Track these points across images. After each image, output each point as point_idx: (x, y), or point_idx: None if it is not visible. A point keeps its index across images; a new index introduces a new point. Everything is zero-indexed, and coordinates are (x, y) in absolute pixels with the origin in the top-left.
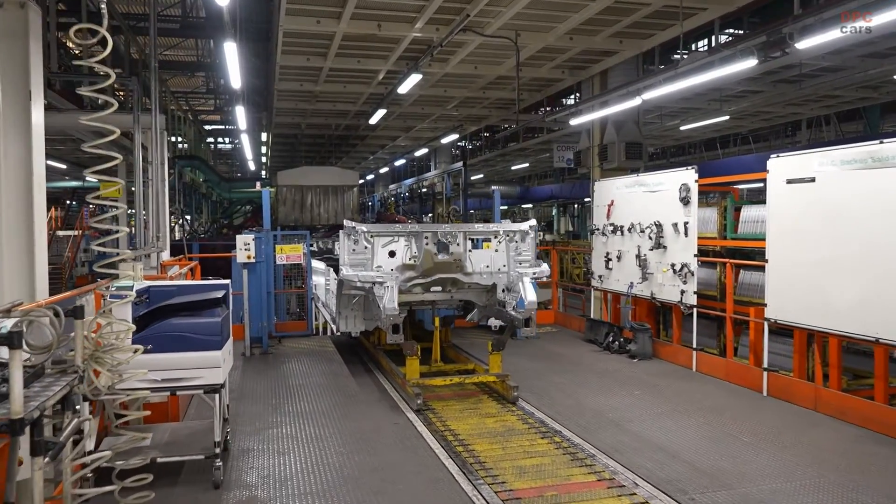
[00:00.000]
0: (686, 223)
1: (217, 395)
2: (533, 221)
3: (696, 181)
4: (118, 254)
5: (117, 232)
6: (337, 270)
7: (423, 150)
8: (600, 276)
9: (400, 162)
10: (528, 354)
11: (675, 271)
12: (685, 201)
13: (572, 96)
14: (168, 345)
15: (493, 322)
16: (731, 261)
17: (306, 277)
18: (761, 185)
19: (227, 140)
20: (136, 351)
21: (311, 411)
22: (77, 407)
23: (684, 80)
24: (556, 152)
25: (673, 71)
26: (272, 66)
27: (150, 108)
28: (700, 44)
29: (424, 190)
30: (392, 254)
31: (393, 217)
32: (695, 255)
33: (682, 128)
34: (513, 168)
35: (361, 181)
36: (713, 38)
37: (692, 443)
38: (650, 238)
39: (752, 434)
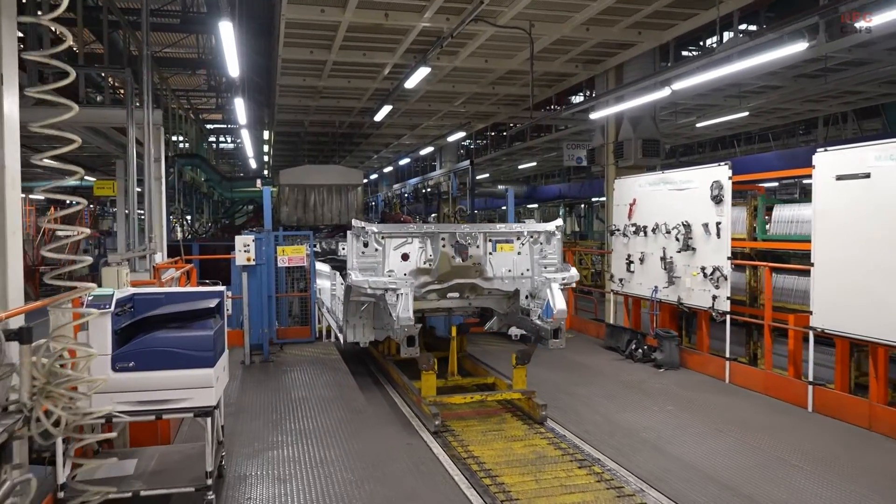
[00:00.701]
0: (718, 223)
1: (209, 419)
2: (559, 221)
3: (730, 178)
4: (104, 258)
5: (72, 235)
6: (343, 274)
7: (429, 149)
8: (621, 280)
9: (404, 161)
10: (546, 363)
11: (705, 275)
12: (717, 200)
13: (581, 94)
14: (153, 361)
15: (514, 331)
16: (770, 264)
17: (309, 280)
18: (775, 184)
19: (229, 139)
20: (99, 382)
21: (316, 429)
22: (17, 460)
23: (721, 68)
24: (567, 150)
25: (707, 59)
26: (274, 59)
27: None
28: (710, 41)
29: (429, 189)
30: (405, 257)
31: (398, 217)
32: (728, 258)
33: (698, 125)
34: (519, 167)
35: (365, 181)
36: (721, 33)
37: (743, 470)
38: (677, 239)
39: (806, 459)
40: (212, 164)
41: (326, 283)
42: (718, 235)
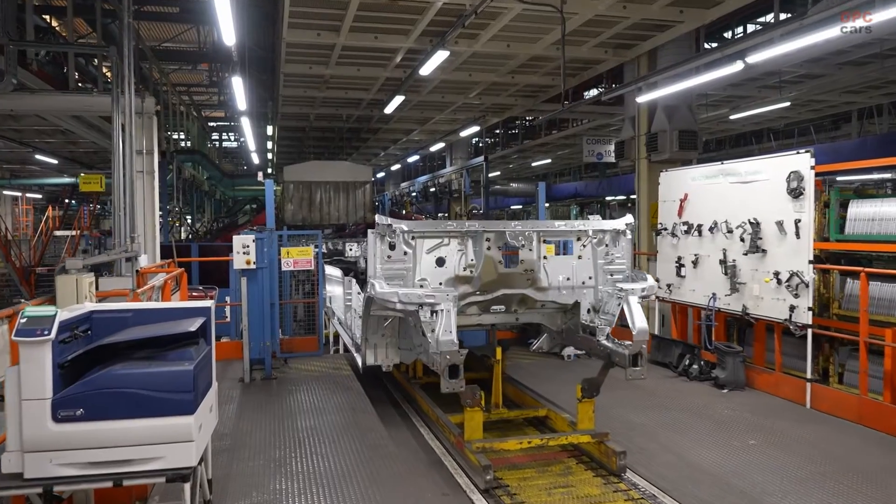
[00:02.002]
0: (797, 221)
1: (188, 485)
2: (629, 218)
3: (813, 168)
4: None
5: None
6: (359, 279)
7: (440, 145)
8: (669, 286)
9: (413, 158)
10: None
11: (779, 281)
12: (796, 193)
13: (598, 88)
14: (110, 408)
15: (570, 352)
16: (868, 270)
17: (317, 285)
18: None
19: (231, 136)
20: None
21: (328, 472)
22: None
23: (817, 33)
24: (587, 146)
25: (796, 23)
26: (278, 45)
27: (140, 89)
28: (737, 30)
29: (440, 187)
30: (440, 262)
31: (410, 217)
32: (810, 262)
33: (731, 117)
34: (533, 165)
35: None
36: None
37: None
38: (742, 240)
39: None
40: (213, 161)
41: (338, 290)
42: (797, 235)
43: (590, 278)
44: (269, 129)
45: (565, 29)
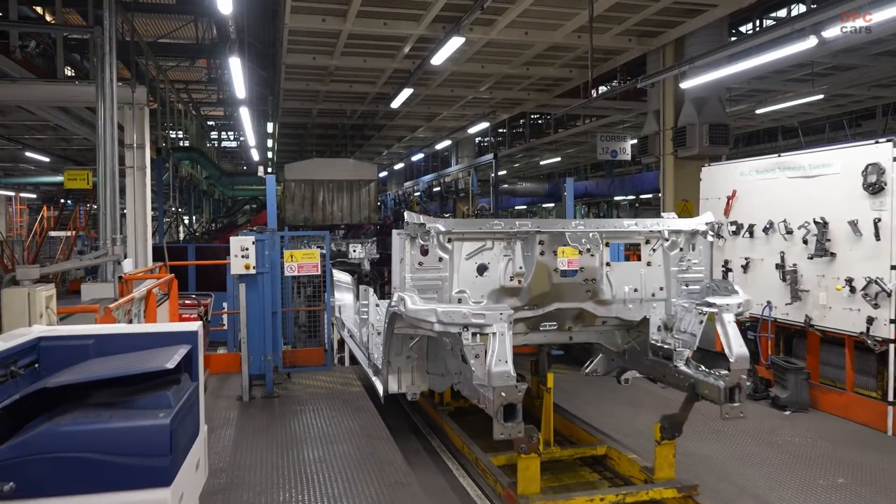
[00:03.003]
0: (877, 220)
1: None
2: (709, 216)
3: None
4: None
5: None
6: (361, 280)
7: (446, 143)
8: None
9: (418, 157)
10: (627, 400)
11: (853, 289)
12: (875, 189)
13: (604, 86)
14: (52, 480)
15: (631, 375)
16: None
17: (321, 289)
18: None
19: (231, 135)
20: None
21: None
22: None
23: None
24: (601, 143)
25: None
26: (280, 32)
27: (129, 79)
28: (749, 24)
29: (445, 186)
30: (482, 269)
31: None
32: (892, 268)
33: (758, 111)
34: (541, 164)
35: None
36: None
37: None
38: (805, 242)
39: None
40: (211, 160)
41: (347, 298)
42: (877, 237)
43: (661, 289)
44: (270, 127)
45: (593, 11)
